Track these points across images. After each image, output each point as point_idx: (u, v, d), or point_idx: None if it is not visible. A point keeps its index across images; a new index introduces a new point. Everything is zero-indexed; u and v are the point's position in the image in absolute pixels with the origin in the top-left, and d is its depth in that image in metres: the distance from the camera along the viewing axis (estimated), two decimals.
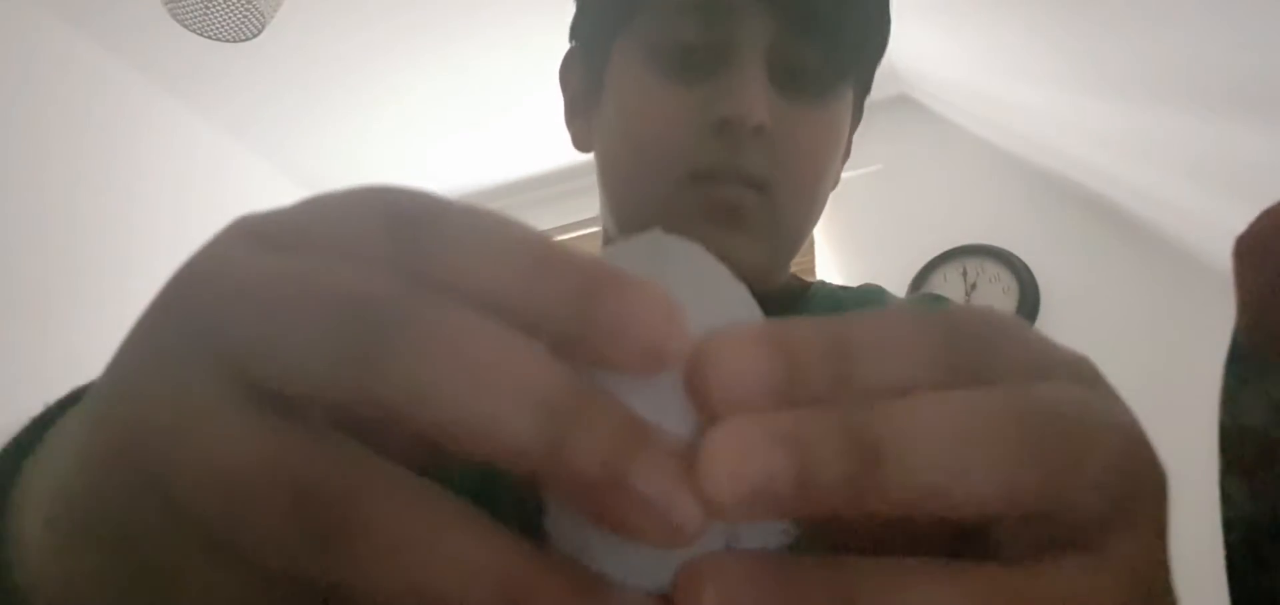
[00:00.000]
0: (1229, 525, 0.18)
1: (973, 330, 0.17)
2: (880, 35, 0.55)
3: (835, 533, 0.17)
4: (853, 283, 2.51)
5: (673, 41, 0.49)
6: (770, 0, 0.47)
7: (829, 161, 0.52)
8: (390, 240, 0.17)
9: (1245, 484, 0.18)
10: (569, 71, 0.59)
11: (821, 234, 2.64)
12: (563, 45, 0.61)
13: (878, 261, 2.55)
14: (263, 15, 2.03)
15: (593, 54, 0.56)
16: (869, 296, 0.59)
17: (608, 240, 0.59)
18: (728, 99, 0.47)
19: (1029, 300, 2.29)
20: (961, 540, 0.17)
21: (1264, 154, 1.65)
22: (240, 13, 2.00)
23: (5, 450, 0.24)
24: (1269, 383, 0.18)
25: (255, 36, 2.08)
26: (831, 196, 2.19)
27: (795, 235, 0.53)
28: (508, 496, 0.20)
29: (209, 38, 2.04)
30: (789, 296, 0.59)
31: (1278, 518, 0.17)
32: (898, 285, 2.44)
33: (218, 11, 1.99)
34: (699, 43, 0.48)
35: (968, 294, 2.37)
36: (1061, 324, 2.27)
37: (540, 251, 0.16)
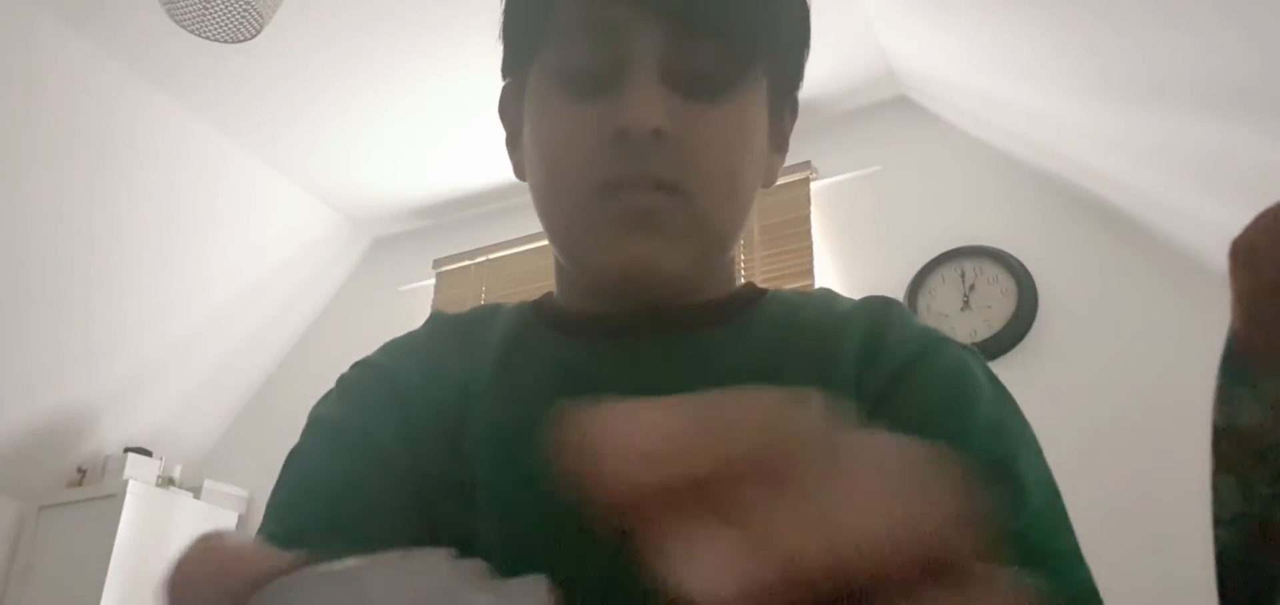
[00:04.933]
0: (1220, 524, 0.18)
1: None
2: (789, 28, 0.56)
3: None
4: (852, 284, 2.49)
5: (573, 64, 0.52)
6: (657, 13, 0.50)
7: (740, 156, 0.54)
8: None
9: (1237, 484, 0.18)
10: (504, 106, 0.62)
11: (820, 234, 2.64)
12: None
13: (876, 263, 2.55)
14: (261, 16, 2.03)
15: (515, 86, 0.59)
16: (820, 302, 0.60)
17: (556, 260, 0.61)
18: (622, 109, 0.49)
19: (1027, 302, 2.29)
20: None
21: (1265, 155, 1.65)
22: (238, 13, 2.00)
23: None
24: (1263, 384, 0.18)
25: (253, 37, 2.08)
26: (829, 196, 2.20)
27: (719, 233, 0.55)
28: None
29: (207, 38, 2.04)
30: (742, 302, 0.59)
31: (1269, 518, 0.18)
32: (896, 287, 2.44)
33: (216, 12, 1.99)
34: (597, 62, 0.51)
35: (966, 295, 2.37)
36: (1060, 326, 2.27)
37: None
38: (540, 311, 0.61)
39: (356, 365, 0.60)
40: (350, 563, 0.21)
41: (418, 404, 0.56)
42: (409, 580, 0.21)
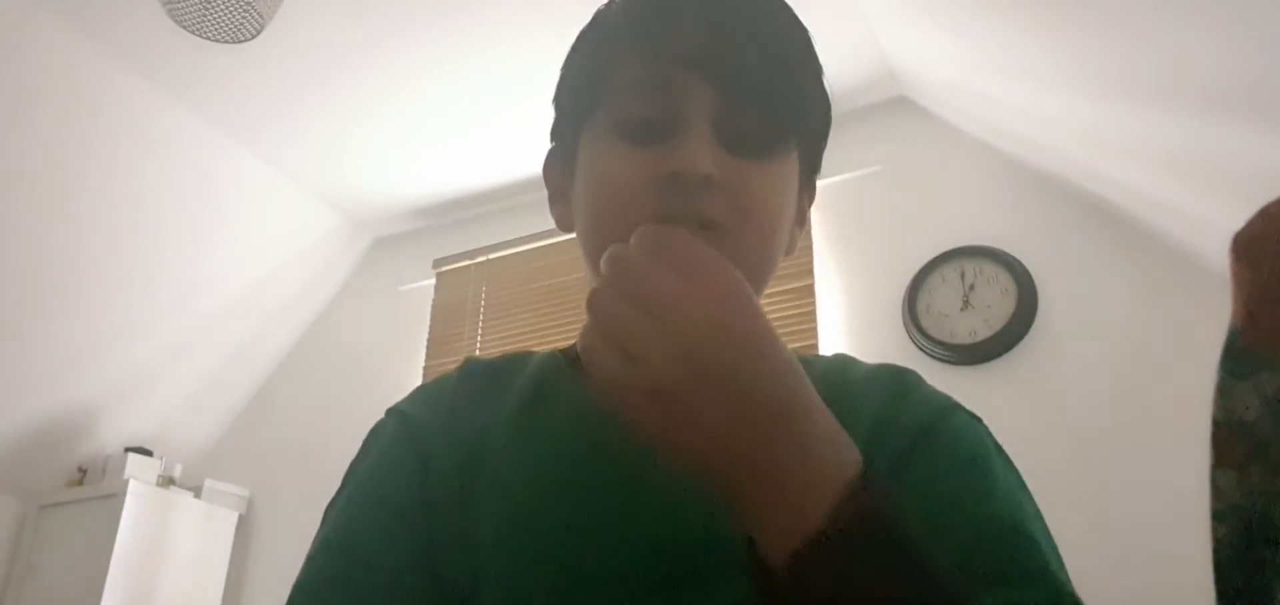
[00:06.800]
0: (1217, 518, 0.18)
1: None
2: (818, 111, 0.63)
3: None
4: (852, 283, 2.48)
5: (631, 115, 0.58)
6: (713, 75, 0.56)
7: (777, 210, 0.60)
8: None
9: (1235, 478, 0.18)
10: (550, 166, 0.68)
11: (820, 235, 2.64)
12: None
13: (876, 263, 2.55)
14: (261, 16, 2.03)
15: (567, 145, 0.65)
16: (835, 366, 0.65)
17: None
18: (678, 156, 0.55)
19: (1027, 301, 2.29)
20: None
21: (1263, 155, 1.65)
22: (239, 14, 2.00)
23: None
24: (1263, 378, 0.18)
25: (254, 38, 2.08)
26: (829, 196, 2.23)
27: (752, 277, 0.60)
28: None
29: (207, 39, 2.04)
30: None
31: (1267, 512, 0.18)
32: (896, 286, 2.44)
33: (216, 13, 1.99)
34: (654, 114, 0.57)
35: (966, 295, 2.37)
36: (1059, 325, 2.27)
37: None
38: (569, 356, 0.66)
39: (388, 413, 0.65)
40: None
41: (437, 451, 0.60)
42: None
